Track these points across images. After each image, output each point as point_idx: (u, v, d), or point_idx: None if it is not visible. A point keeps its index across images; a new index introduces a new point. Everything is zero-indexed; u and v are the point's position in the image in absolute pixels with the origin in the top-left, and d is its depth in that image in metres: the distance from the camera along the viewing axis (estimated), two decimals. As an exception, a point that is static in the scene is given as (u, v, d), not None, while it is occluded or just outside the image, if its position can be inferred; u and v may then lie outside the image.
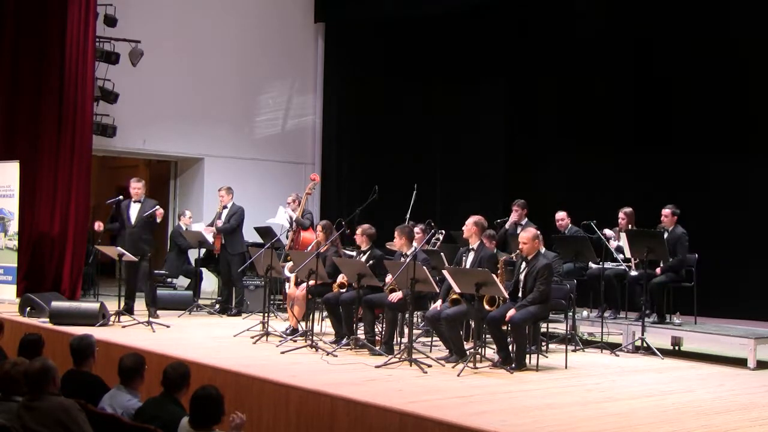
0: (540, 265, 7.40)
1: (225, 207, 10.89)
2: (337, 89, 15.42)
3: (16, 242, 11.29)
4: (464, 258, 7.99)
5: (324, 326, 9.50)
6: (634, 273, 9.05)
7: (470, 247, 7.96)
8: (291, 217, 10.96)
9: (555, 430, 5.27)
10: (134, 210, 10.00)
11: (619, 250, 9.38)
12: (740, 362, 8.03)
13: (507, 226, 10.03)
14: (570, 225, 9.86)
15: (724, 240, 10.39)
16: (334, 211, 13.57)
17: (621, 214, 9.45)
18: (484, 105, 13.64)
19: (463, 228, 8.03)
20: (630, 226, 9.28)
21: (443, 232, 9.73)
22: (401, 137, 14.38)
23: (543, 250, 8.60)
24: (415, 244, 8.37)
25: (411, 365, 7.19)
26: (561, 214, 9.91)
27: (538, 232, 7.79)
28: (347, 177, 15.18)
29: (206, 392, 4.69)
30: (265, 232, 11.16)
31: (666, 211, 9.05)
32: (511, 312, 7.18)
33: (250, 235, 11.56)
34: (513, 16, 13.02)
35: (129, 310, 9.81)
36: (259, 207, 11.66)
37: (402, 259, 7.91)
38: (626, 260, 9.27)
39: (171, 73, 13.78)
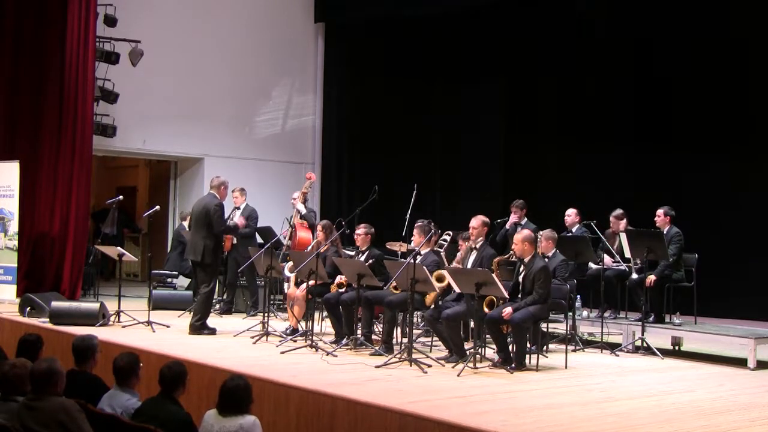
0: (537, 267, 7.40)
1: (237, 208, 10.85)
2: (337, 89, 15.41)
3: (16, 242, 11.28)
4: (467, 257, 8.01)
5: (324, 326, 9.50)
6: (634, 276, 9.03)
7: (473, 246, 7.96)
8: (299, 212, 10.90)
9: (555, 430, 5.27)
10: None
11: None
12: (740, 362, 8.03)
13: (507, 226, 10.04)
14: (579, 225, 9.82)
15: (724, 240, 10.39)
16: (334, 211, 13.57)
17: (612, 219, 9.46)
18: (483, 105, 13.64)
19: (470, 228, 8.00)
20: (626, 226, 9.28)
21: (450, 233, 9.73)
22: (401, 137, 14.38)
23: (553, 251, 8.63)
24: (413, 244, 8.37)
25: (411, 365, 7.19)
26: (570, 211, 9.88)
27: (533, 234, 7.79)
28: (347, 177, 15.17)
29: (235, 383, 4.91)
30: (266, 232, 11.15)
31: (659, 211, 9.04)
32: (508, 310, 7.17)
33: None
34: (513, 16, 13.02)
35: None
36: (259, 207, 11.62)
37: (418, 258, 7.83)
38: (626, 260, 9.27)
39: (171, 73, 13.77)
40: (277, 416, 6.28)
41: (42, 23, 11.64)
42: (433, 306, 7.89)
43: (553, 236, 8.78)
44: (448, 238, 9.65)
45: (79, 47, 11.65)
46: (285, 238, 10.72)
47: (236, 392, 4.86)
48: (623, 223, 9.44)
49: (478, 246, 7.94)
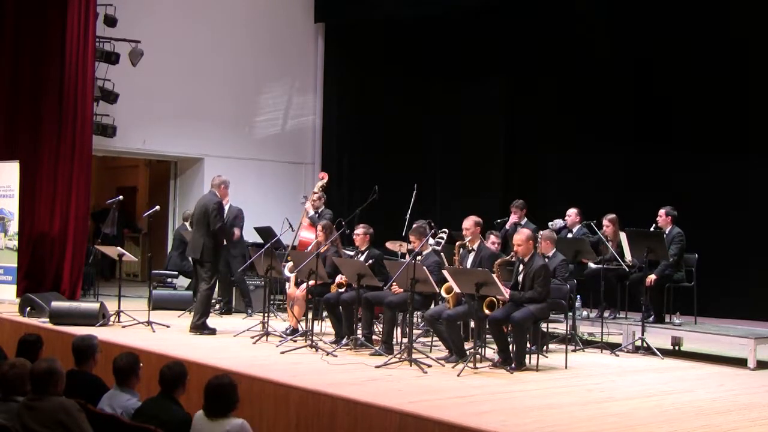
0: (537, 265, 7.40)
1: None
2: (337, 89, 15.41)
3: (16, 242, 11.28)
4: (465, 258, 8.01)
5: (324, 326, 9.50)
6: (634, 273, 9.02)
7: (470, 248, 7.96)
8: (307, 213, 10.91)
9: (555, 430, 5.27)
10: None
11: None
12: (740, 362, 8.03)
13: (507, 226, 10.04)
14: (579, 225, 9.81)
15: (724, 240, 10.39)
16: (335, 211, 13.53)
17: (606, 222, 9.45)
18: (483, 105, 13.64)
19: (463, 229, 8.01)
20: (616, 231, 9.30)
21: (446, 231, 9.74)
22: (401, 137, 14.38)
23: (553, 251, 8.65)
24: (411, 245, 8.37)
25: (411, 365, 7.19)
26: (570, 211, 9.88)
27: (532, 233, 7.79)
28: (347, 177, 15.16)
29: (220, 381, 4.84)
30: (266, 232, 11.16)
31: (661, 211, 9.04)
32: (507, 291, 7.20)
33: (250, 235, 11.56)
34: (513, 16, 13.02)
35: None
36: (259, 207, 11.64)
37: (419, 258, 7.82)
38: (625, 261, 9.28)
39: (171, 73, 13.77)
40: (277, 416, 6.28)
41: (42, 23, 11.63)
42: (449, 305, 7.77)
43: (552, 237, 8.79)
44: (444, 236, 9.65)
45: (79, 47, 11.64)
46: (294, 237, 10.74)
47: (220, 390, 4.78)
48: (614, 228, 9.42)
49: (475, 247, 7.94)
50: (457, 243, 8.13)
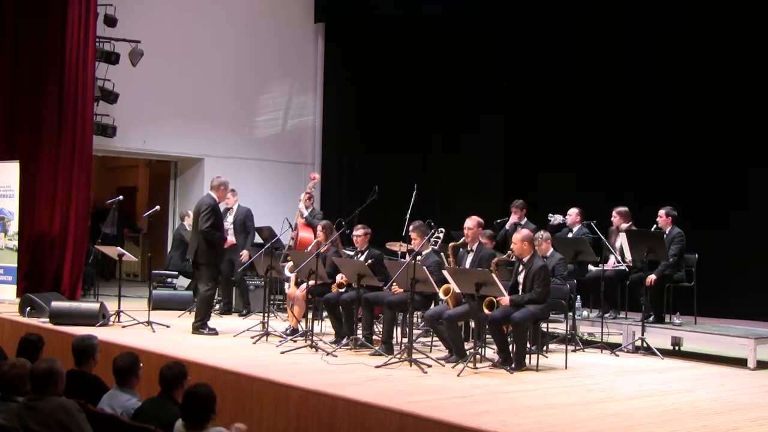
0: (536, 266, 7.41)
1: (229, 208, 10.81)
2: (337, 89, 15.41)
3: (16, 242, 11.28)
4: (463, 258, 8.02)
5: (324, 326, 9.50)
6: (634, 275, 9.02)
7: (470, 248, 7.96)
8: (302, 213, 10.94)
9: (555, 430, 5.28)
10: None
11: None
12: (740, 362, 8.03)
13: (507, 226, 10.05)
14: (580, 225, 9.80)
15: (724, 240, 10.39)
16: (334, 211, 13.56)
17: (614, 213, 9.44)
18: (483, 105, 13.64)
19: (464, 229, 8.01)
20: (629, 225, 9.28)
21: (443, 230, 9.74)
22: (401, 137, 14.38)
23: (551, 251, 8.66)
24: (413, 245, 8.37)
25: (411, 365, 7.20)
26: (572, 211, 9.86)
27: (531, 234, 7.80)
28: (347, 177, 15.17)
29: (196, 390, 4.68)
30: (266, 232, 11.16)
31: (661, 212, 9.04)
32: (505, 299, 7.23)
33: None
34: (513, 16, 13.02)
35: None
36: (259, 207, 11.62)
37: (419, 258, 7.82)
38: (626, 261, 9.27)
39: (171, 73, 13.77)
40: (277, 416, 6.28)
41: (42, 23, 11.64)
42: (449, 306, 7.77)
43: (548, 238, 8.82)
44: (441, 235, 9.65)
45: (79, 47, 11.65)
46: (292, 239, 10.76)
47: (196, 399, 4.62)
48: (626, 223, 9.39)
49: (474, 247, 7.94)
50: (450, 244, 8.13)
